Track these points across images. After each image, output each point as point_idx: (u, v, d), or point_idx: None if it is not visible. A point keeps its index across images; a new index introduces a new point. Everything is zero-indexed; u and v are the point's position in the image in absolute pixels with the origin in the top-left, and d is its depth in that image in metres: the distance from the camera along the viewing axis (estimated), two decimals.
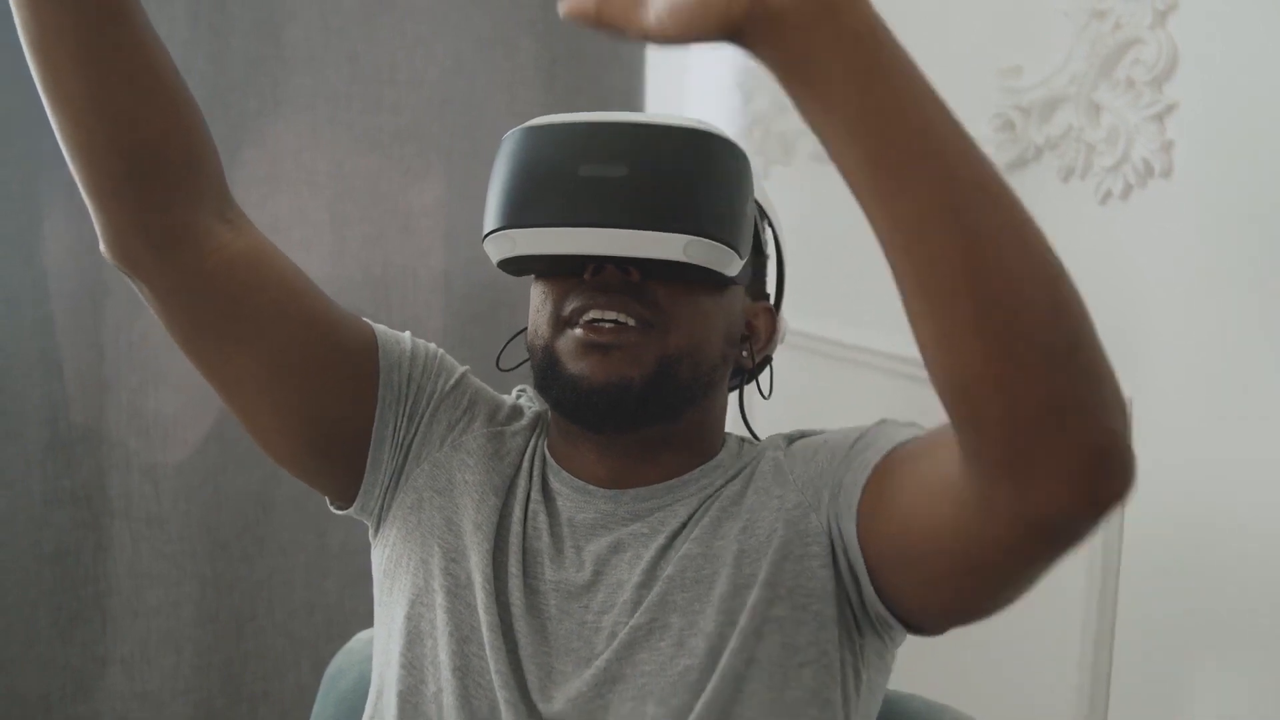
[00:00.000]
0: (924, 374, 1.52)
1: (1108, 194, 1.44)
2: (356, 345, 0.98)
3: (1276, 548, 1.30)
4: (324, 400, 0.96)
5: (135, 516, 1.78)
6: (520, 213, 0.89)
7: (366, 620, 2.00)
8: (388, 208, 1.92)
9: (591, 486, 0.96)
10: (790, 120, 1.94)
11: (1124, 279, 1.44)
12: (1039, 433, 0.68)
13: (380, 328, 1.01)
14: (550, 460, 1.00)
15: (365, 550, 2.02)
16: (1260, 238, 1.30)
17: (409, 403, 1.00)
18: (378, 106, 1.89)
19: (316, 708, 1.20)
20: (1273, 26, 1.28)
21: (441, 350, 1.04)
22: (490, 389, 1.07)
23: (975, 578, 0.81)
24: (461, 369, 1.05)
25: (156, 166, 0.86)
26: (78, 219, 1.71)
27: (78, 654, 1.77)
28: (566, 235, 0.88)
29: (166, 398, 1.78)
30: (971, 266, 0.67)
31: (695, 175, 0.87)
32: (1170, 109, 1.37)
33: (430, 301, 1.98)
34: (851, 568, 0.89)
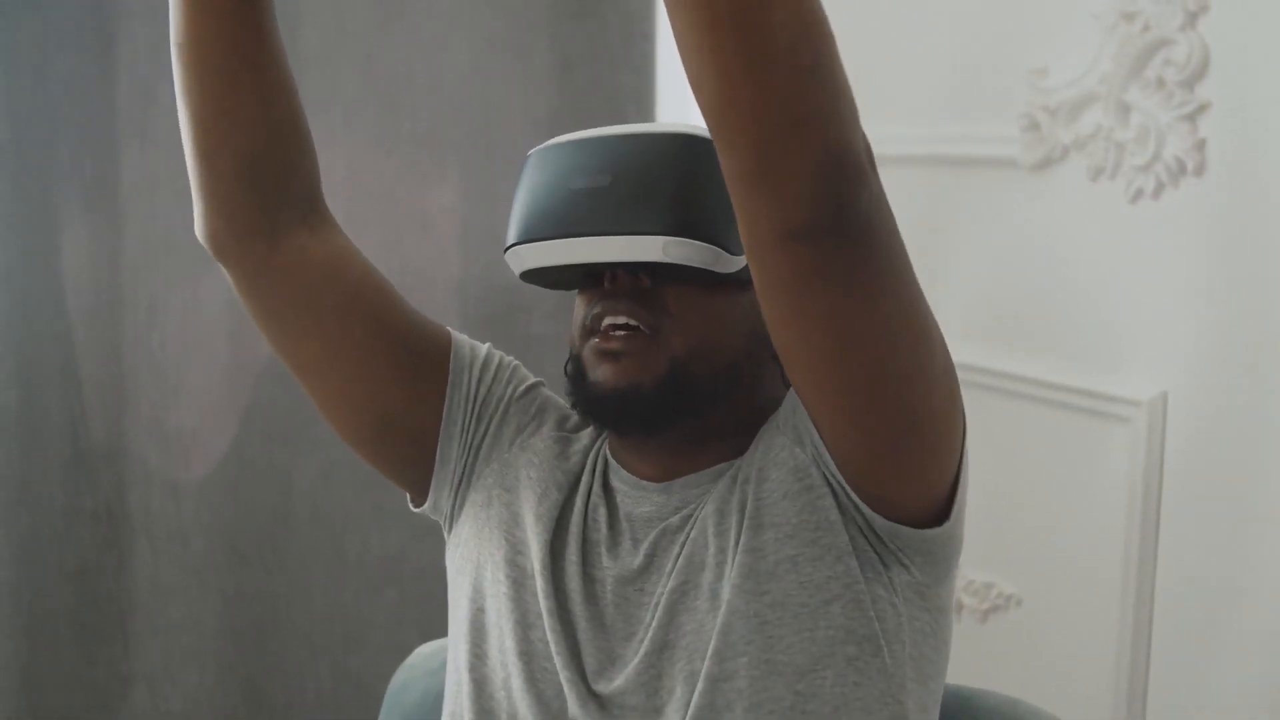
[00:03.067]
0: (980, 380, 1.52)
1: (1139, 193, 1.45)
2: (427, 346, 1.03)
3: None
4: (387, 394, 1.01)
5: (156, 532, 1.77)
6: (524, 229, 0.96)
7: (386, 630, 2.01)
8: (403, 211, 1.91)
9: (645, 482, 0.99)
10: None
11: (1155, 277, 1.46)
12: (786, 143, 0.73)
13: (458, 334, 1.07)
14: (611, 460, 1.03)
15: (383, 562, 2.04)
16: None
17: (478, 404, 1.04)
18: (393, 110, 1.88)
19: None
20: None
21: (517, 362, 1.09)
22: (562, 400, 1.10)
23: (802, 323, 0.83)
24: (534, 379, 1.10)
25: (261, 171, 0.94)
26: (95, 231, 1.70)
27: (102, 672, 1.75)
28: (561, 246, 0.94)
29: (186, 411, 1.77)
30: None
31: (674, 178, 0.91)
32: (1202, 109, 1.38)
33: (446, 305, 1.97)
34: (839, 481, 0.91)
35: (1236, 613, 1.42)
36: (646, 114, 2.04)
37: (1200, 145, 1.39)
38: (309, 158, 0.98)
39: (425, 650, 1.25)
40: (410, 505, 1.09)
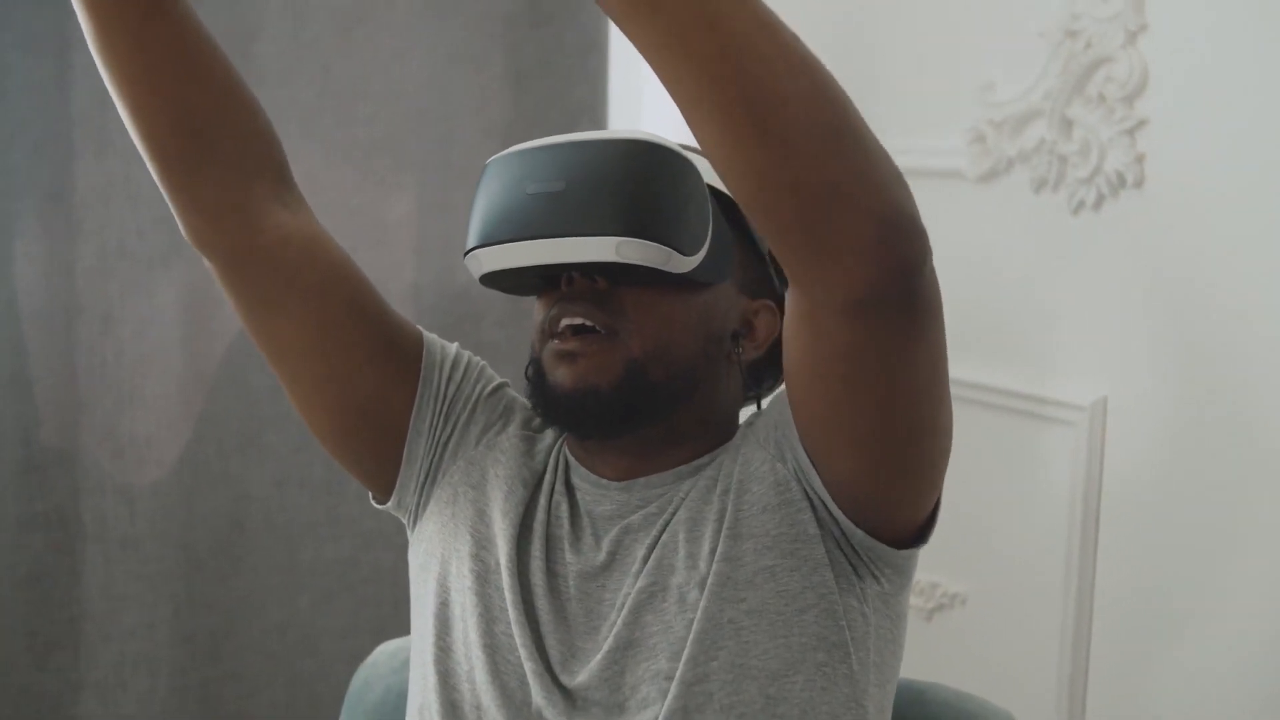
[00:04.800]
0: (959, 391, 1.55)
1: (1080, 204, 1.50)
2: (400, 338, 1.05)
3: (1240, 540, 1.38)
4: (362, 381, 1.02)
5: (109, 539, 1.76)
6: (482, 233, 0.98)
7: (339, 636, 2.01)
8: (360, 221, 1.91)
9: (606, 481, 1.02)
10: None
11: (1096, 285, 1.51)
12: (825, 214, 0.74)
13: (429, 333, 1.08)
14: (570, 460, 1.05)
15: (335, 568, 2.03)
16: (1227, 244, 1.37)
17: (447, 403, 1.06)
18: (350, 120, 1.88)
19: None
20: (1239, 46, 1.35)
21: (484, 362, 1.11)
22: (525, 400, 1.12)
23: (846, 388, 0.86)
24: (500, 380, 1.11)
25: (211, 146, 0.95)
26: (50, 238, 1.69)
27: (52, 680, 1.73)
28: (518, 249, 0.96)
29: (140, 418, 1.76)
30: (729, 71, 0.72)
31: (626, 182, 0.94)
32: (1141, 124, 1.43)
33: (400, 311, 1.98)
34: (820, 497, 0.94)
35: (1173, 611, 1.47)
36: (599, 123, 2.07)
37: (1140, 159, 1.44)
38: (265, 130, 0.98)
39: (387, 649, 1.25)
40: (373, 502, 1.10)
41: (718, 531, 0.95)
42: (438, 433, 1.05)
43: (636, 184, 0.94)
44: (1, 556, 1.67)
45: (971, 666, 1.67)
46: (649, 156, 0.95)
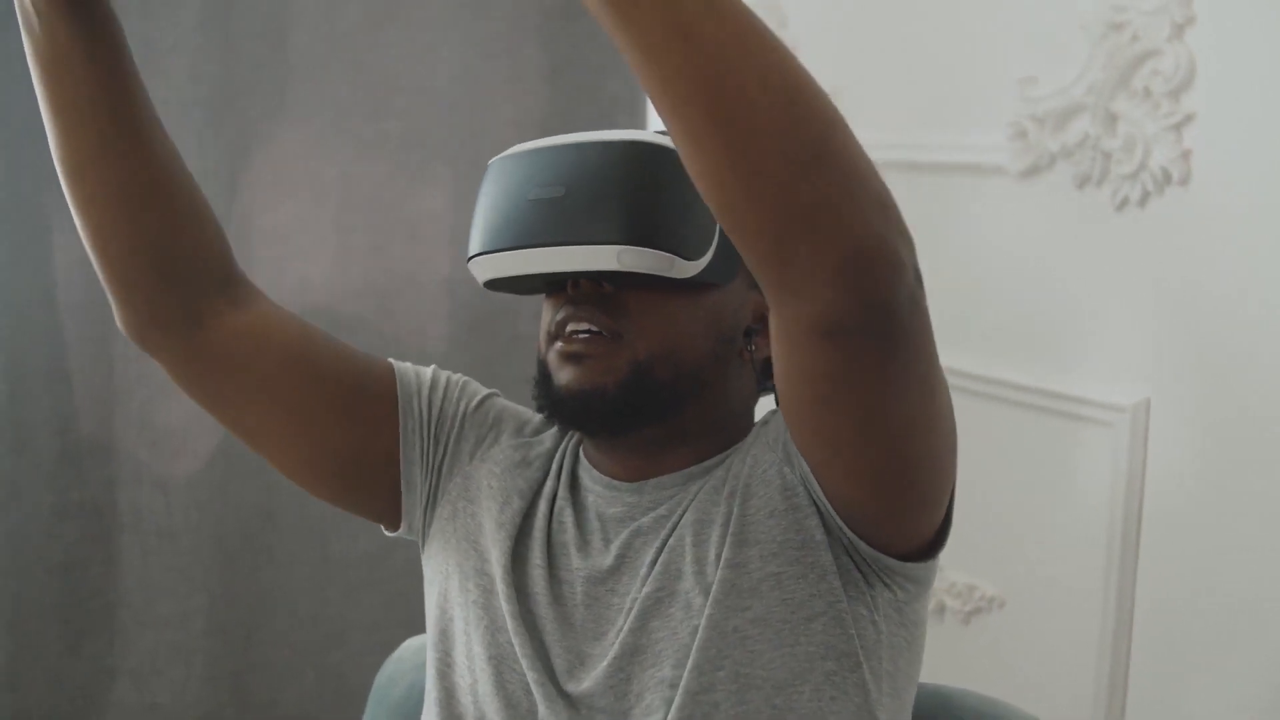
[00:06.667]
0: (967, 385, 1.54)
1: (1125, 201, 1.48)
2: (371, 381, 1.04)
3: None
4: (343, 441, 1.03)
5: (145, 529, 1.76)
6: (484, 240, 0.97)
7: (368, 629, 2.01)
8: (392, 215, 1.91)
9: (617, 482, 1.01)
10: None
11: (1139, 284, 1.48)
12: (795, 237, 0.72)
13: (399, 363, 1.08)
14: (583, 459, 1.04)
15: (365, 562, 2.03)
16: (1276, 243, 1.34)
17: (433, 425, 1.06)
18: (383, 113, 1.88)
19: (368, 717, 1.20)
20: None
21: (466, 378, 1.11)
22: (519, 407, 1.12)
23: (824, 410, 0.84)
24: (486, 391, 1.11)
25: (168, 264, 0.95)
26: None
27: (86, 667, 1.74)
28: (519, 257, 0.95)
29: (175, 410, 1.76)
30: (702, 83, 0.69)
31: (625, 187, 0.92)
32: (1188, 119, 1.40)
33: (434, 309, 1.98)
34: (825, 507, 0.92)
35: (1217, 617, 1.44)
36: (636, 117, 2.06)
37: (1186, 155, 1.41)
38: (216, 234, 0.99)
39: (413, 644, 1.25)
40: (385, 531, 1.10)
41: (724, 536, 0.93)
42: (430, 456, 1.06)
43: (638, 189, 0.92)
44: (37, 545, 1.68)
45: (1009, 671, 1.65)
46: (651, 159, 0.93)
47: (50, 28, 0.86)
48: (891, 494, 0.88)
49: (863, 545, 0.91)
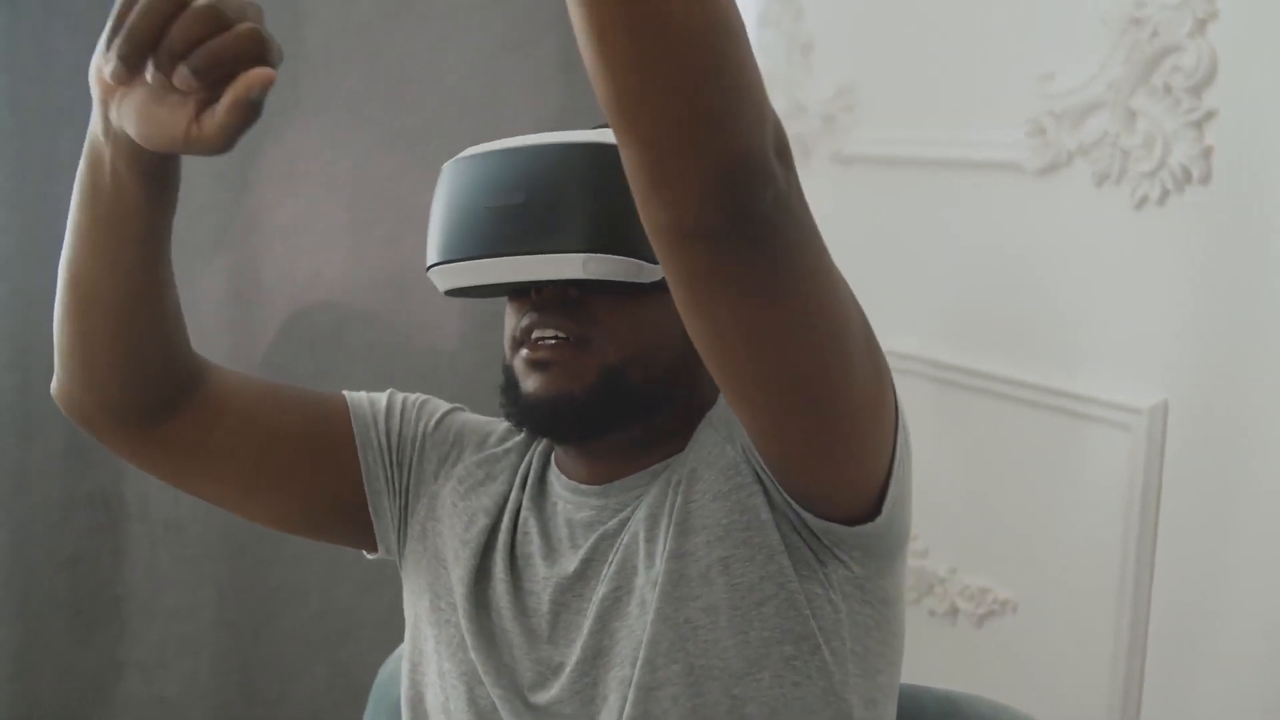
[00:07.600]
0: (958, 378, 1.52)
1: (1144, 199, 1.45)
2: (328, 426, 1.04)
3: None
4: (309, 491, 1.04)
5: (154, 520, 1.76)
6: (442, 249, 0.94)
7: (377, 626, 2.01)
8: (407, 208, 1.90)
9: (584, 486, 1.00)
10: (807, 122, 1.94)
11: (1158, 284, 1.46)
12: (682, 145, 0.70)
13: (353, 395, 1.07)
14: (553, 464, 1.04)
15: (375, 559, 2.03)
16: None
17: (393, 452, 1.06)
18: (397, 106, 1.87)
19: (368, 716, 1.19)
20: None
21: (426, 397, 1.10)
22: (482, 419, 1.11)
23: (712, 327, 0.80)
24: (447, 408, 1.10)
25: (142, 376, 0.95)
26: None
27: (94, 659, 1.74)
28: (480, 267, 0.92)
29: None
30: None
31: (588, 192, 0.89)
32: (1209, 116, 1.38)
33: (446, 304, 1.97)
34: (770, 476, 0.90)
35: (1233, 622, 1.41)
36: None
37: (1207, 153, 1.38)
38: (186, 339, 0.98)
39: None
40: (365, 554, 1.12)
41: (669, 526, 0.92)
42: (395, 481, 1.06)
43: (601, 193, 0.89)
44: (46, 536, 1.68)
45: (1022, 675, 1.63)
46: (613, 161, 0.87)
47: (121, 182, 0.85)
48: (814, 434, 0.85)
49: (810, 518, 0.89)
